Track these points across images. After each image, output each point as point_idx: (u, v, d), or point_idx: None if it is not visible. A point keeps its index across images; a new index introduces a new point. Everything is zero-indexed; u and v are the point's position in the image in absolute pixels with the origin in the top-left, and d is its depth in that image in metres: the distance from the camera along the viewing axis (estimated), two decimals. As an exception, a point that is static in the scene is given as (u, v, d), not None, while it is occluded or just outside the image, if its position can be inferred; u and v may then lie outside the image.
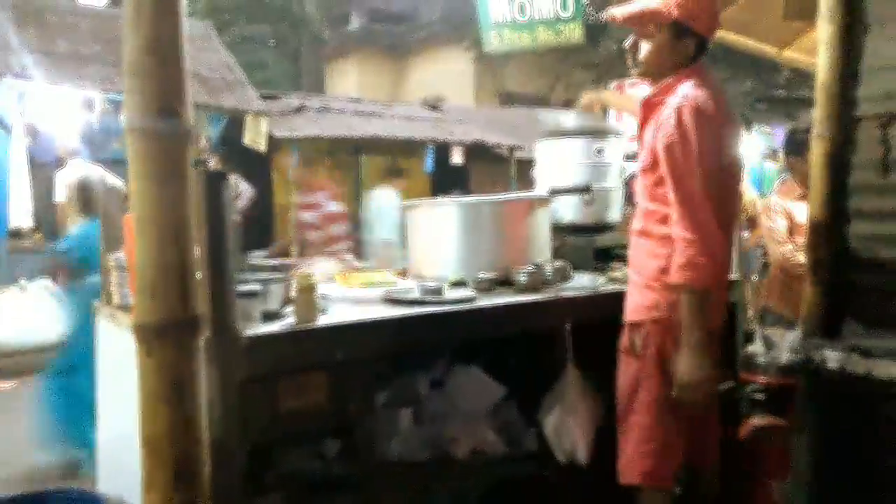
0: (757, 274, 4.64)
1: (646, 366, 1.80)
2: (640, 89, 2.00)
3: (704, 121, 1.68)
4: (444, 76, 15.06)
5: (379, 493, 1.73)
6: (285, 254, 4.44)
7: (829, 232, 1.83)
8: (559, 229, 2.51)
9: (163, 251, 1.20)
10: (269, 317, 1.61)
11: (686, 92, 1.72)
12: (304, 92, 11.26)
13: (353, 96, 12.15)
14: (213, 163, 6.18)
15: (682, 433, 1.80)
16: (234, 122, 7.53)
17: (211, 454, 1.27)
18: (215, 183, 1.38)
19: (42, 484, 2.87)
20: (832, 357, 1.70)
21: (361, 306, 1.87)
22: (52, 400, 3.42)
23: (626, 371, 1.86)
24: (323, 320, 1.61)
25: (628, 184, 2.68)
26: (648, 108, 1.84)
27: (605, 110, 2.54)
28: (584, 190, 2.43)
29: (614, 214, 2.61)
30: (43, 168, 6.93)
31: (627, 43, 1.87)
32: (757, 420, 2.46)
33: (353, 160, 9.63)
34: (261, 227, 8.37)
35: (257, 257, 2.57)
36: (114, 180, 5.15)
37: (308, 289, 1.58)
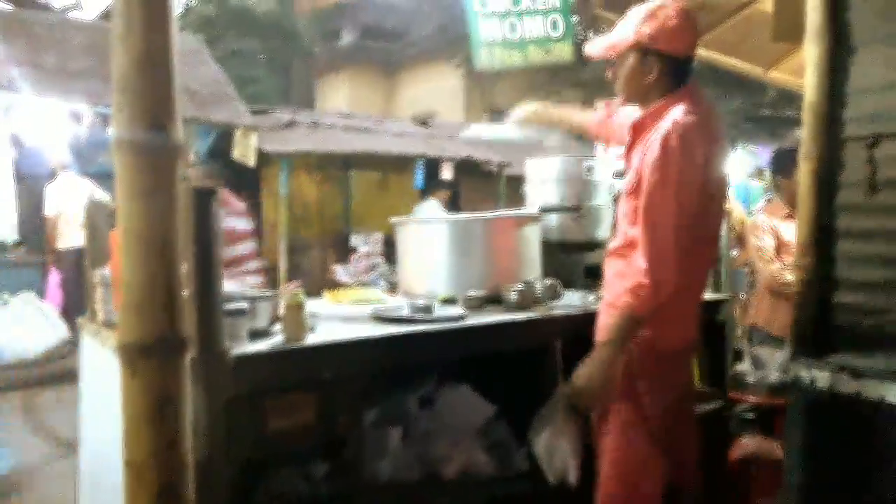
0: (744, 292, 4.66)
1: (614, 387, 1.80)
2: (628, 109, 2.01)
3: (690, 150, 1.69)
4: (435, 92, 15.16)
5: (367, 514, 1.70)
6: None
7: (816, 251, 1.84)
8: (549, 247, 2.51)
9: (150, 267, 1.17)
10: (257, 335, 1.59)
11: (676, 117, 1.72)
12: (295, 107, 11.27)
13: (344, 111, 12.18)
14: (196, 177, 6.13)
15: (659, 455, 1.79)
16: (224, 137, 7.50)
17: (196, 476, 1.24)
18: (205, 199, 1.37)
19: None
20: (821, 377, 1.70)
21: (350, 324, 1.85)
22: None
23: None
24: (311, 338, 1.59)
25: (616, 201, 2.70)
26: (637, 130, 1.84)
27: (549, 121, 2.47)
28: (574, 208, 2.44)
29: (604, 232, 2.62)
30: (29, 181, 6.86)
31: (608, 75, 1.90)
32: (746, 439, 2.46)
33: (343, 175, 9.63)
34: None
35: None
36: (101, 194, 5.11)
37: (297, 306, 1.56)
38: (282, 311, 1.58)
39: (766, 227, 3.08)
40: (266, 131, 8.16)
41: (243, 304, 1.54)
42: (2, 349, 5.22)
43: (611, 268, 1.88)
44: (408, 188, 9.54)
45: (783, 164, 3.09)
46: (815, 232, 1.84)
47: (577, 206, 2.43)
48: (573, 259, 2.55)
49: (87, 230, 2.03)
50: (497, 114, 14.47)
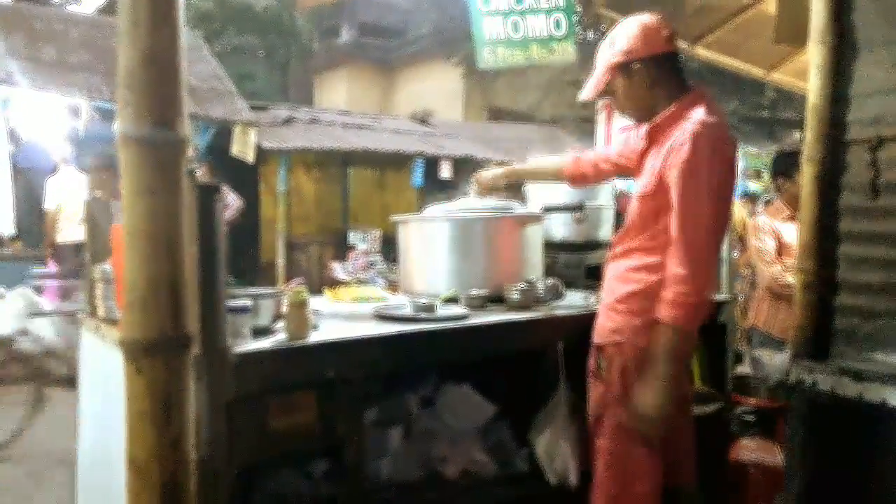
0: (744, 293, 4.67)
1: (609, 389, 1.80)
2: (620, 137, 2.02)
3: (720, 151, 1.67)
4: (434, 91, 15.15)
5: (368, 513, 1.69)
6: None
7: (818, 253, 1.84)
8: (551, 246, 2.51)
9: (154, 264, 1.17)
10: (260, 332, 1.58)
11: (702, 118, 1.68)
12: (293, 104, 11.25)
13: (343, 109, 12.16)
14: (201, 173, 6.11)
15: (654, 456, 1.78)
16: (222, 133, 7.48)
17: (198, 475, 1.23)
18: (208, 196, 1.36)
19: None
20: (823, 379, 1.70)
21: (353, 322, 1.84)
22: None
23: (593, 394, 1.87)
24: (314, 336, 1.59)
25: (619, 201, 2.69)
26: (653, 135, 1.81)
27: (515, 185, 2.46)
28: (576, 208, 2.44)
29: (606, 232, 2.61)
30: (26, 175, 6.83)
31: (611, 107, 1.90)
32: (747, 441, 2.47)
33: (341, 172, 9.62)
34: (248, 238, 8.31)
35: None
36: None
37: (300, 304, 1.55)
38: (285, 308, 1.58)
39: (766, 228, 3.09)
40: (265, 128, 8.15)
41: (247, 302, 1.53)
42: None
43: (614, 270, 1.87)
44: (406, 186, 9.53)
45: (784, 166, 3.10)
46: (817, 234, 1.84)
47: (580, 206, 2.43)
48: (574, 259, 2.55)
49: (87, 225, 2.02)
50: (494, 111, 14.48)
